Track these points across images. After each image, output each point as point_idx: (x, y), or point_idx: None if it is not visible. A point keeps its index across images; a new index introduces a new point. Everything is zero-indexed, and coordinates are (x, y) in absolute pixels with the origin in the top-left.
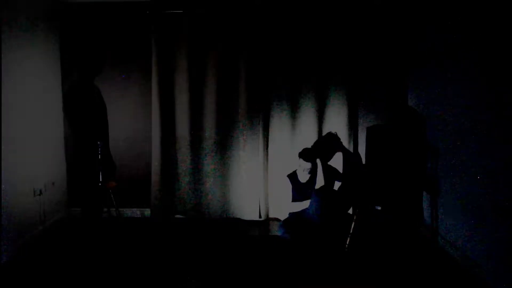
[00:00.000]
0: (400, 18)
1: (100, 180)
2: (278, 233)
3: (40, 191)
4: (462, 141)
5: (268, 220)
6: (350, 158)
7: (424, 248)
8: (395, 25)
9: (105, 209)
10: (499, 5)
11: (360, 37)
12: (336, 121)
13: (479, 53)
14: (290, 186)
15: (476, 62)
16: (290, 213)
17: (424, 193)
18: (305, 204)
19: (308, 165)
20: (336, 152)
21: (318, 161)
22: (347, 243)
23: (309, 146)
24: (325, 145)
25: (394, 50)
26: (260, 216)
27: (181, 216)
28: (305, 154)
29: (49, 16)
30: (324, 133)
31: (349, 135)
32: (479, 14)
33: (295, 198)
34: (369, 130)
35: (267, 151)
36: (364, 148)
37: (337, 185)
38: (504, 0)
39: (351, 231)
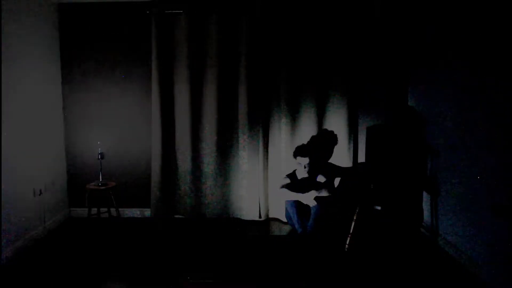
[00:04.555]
0: (400, 18)
1: (100, 180)
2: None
3: (40, 191)
4: (462, 141)
5: (268, 220)
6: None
7: (424, 248)
8: (395, 25)
9: (105, 209)
10: (499, 5)
11: (360, 38)
12: (336, 121)
13: (479, 53)
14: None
15: (476, 62)
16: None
17: (424, 193)
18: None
19: (306, 160)
20: (334, 147)
21: (315, 157)
22: (347, 243)
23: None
24: (321, 141)
25: (394, 50)
26: (260, 216)
27: (181, 216)
28: (300, 150)
29: (49, 16)
30: (324, 133)
31: (349, 135)
32: (479, 14)
33: (293, 190)
34: (369, 130)
35: (267, 151)
36: (364, 148)
37: (337, 181)
38: (503, 1)
39: (351, 231)
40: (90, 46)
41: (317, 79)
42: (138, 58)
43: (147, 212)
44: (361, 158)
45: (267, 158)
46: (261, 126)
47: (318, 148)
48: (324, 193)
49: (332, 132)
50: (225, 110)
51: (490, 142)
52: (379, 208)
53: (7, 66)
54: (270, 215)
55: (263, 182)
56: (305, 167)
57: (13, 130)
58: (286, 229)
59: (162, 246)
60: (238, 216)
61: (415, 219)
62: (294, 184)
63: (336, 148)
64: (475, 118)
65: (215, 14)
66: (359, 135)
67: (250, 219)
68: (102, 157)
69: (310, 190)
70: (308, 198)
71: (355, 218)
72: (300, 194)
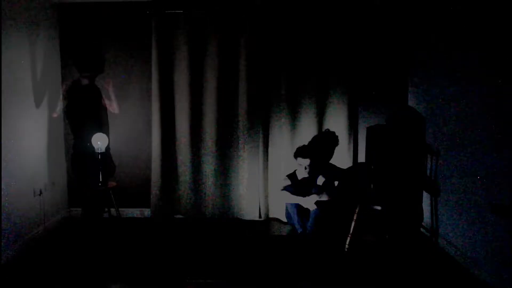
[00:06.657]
0: (400, 18)
1: (100, 180)
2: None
3: (40, 191)
4: (462, 141)
5: (268, 220)
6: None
7: (424, 248)
8: (396, 25)
9: (105, 209)
10: (500, 5)
11: (360, 37)
12: (336, 121)
13: (479, 53)
14: (288, 188)
15: (476, 62)
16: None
17: (424, 193)
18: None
19: (307, 161)
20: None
21: (316, 158)
22: (347, 243)
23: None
24: (322, 142)
25: (394, 50)
26: (260, 216)
27: (181, 216)
28: (301, 151)
29: (49, 16)
30: (324, 134)
31: (349, 135)
32: (480, 14)
33: (294, 193)
34: (369, 130)
35: (267, 151)
36: (364, 148)
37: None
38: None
39: (351, 231)
40: (90, 46)
41: (317, 78)
42: (138, 58)
43: (147, 212)
44: (361, 158)
45: (267, 158)
46: (261, 126)
47: (319, 149)
48: (324, 197)
49: (333, 133)
50: (225, 109)
51: (490, 142)
52: (379, 208)
53: (7, 66)
54: (270, 215)
55: (263, 182)
56: (305, 168)
57: (13, 129)
58: (286, 229)
59: (162, 246)
60: (238, 216)
61: (415, 219)
62: (295, 185)
63: (336, 148)
64: (475, 118)
65: (215, 14)
66: (359, 135)
67: (250, 219)
68: (102, 157)
69: (311, 194)
70: (309, 202)
71: (355, 218)
72: (300, 198)
